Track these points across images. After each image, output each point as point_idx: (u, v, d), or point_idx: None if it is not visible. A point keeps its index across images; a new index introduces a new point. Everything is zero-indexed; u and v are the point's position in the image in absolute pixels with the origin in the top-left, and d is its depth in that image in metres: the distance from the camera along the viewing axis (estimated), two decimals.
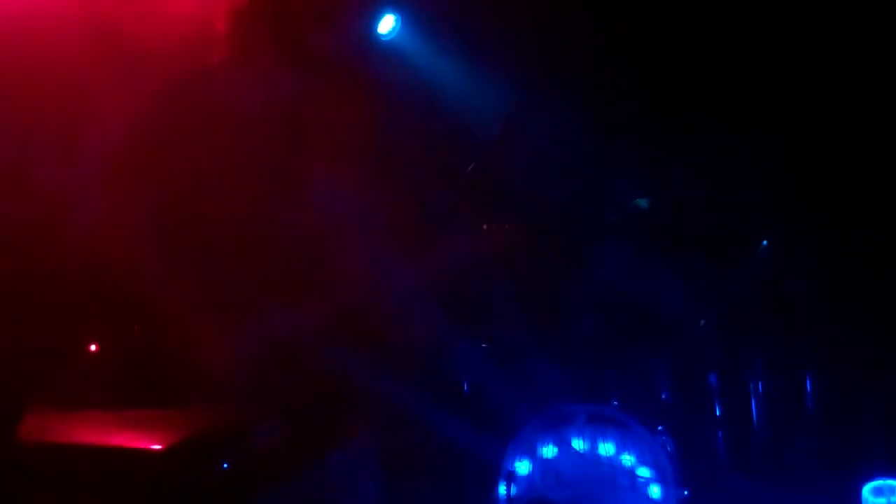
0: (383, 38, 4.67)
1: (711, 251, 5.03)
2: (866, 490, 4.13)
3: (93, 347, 3.56)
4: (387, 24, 4.66)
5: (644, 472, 4.20)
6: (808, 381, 4.89)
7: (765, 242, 4.97)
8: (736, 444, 4.73)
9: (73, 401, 2.66)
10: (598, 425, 4.26)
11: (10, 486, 1.77)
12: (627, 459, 4.22)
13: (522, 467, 4.21)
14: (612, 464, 4.21)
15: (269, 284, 2.95)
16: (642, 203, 5.20)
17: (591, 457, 4.22)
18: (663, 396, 4.71)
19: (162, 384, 2.73)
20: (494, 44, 5.10)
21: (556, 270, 4.87)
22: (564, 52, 5.17)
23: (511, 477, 4.17)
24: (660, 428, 4.34)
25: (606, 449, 4.23)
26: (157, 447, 1.74)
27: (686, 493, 4.23)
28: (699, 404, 4.76)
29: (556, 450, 4.23)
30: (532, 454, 4.22)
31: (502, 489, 4.15)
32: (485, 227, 3.51)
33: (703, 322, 4.92)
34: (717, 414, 4.75)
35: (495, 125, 3.87)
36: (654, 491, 4.20)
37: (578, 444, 4.22)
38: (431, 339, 3.76)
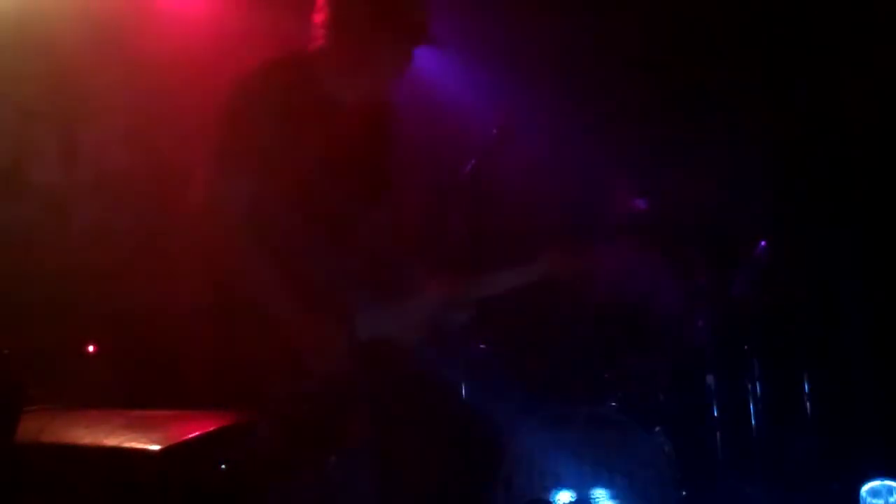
0: None
1: (709, 252, 5.04)
2: (864, 491, 4.14)
3: (91, 348, 3.56)
4: None
5: (642, 473, 4.20)
6: (805, 382, 4.90)
7: (763, 243, 4.98)
8: (734, 445, 4.74)
9: (72, 401, 2.66)
10: (596, 426, 4.26)
11: (8, 487, 1.77)
12: (626, 461, 4.22)
13: (521, 468, 4.21)
14: (611, 465, 4.21)
15: (267, 284, 2.94)
16: (640, 203, 5.21)
17: (590, 458, 4.22)
18: (661, 397, 4.71)
19: (161, 384, 2.73)
20: (493, 44, 5.11)
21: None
22: (564, 53, 5.18)
23: (509, 478, 4.18)
24: (658, 429, 4.34)
25: (605, 450, 4.24)
26: (155, 447, 1.73)
27: (684, 493, 4.24)
28: (697, 405, 4.77)
29: (554, 452, 4.23)
30: (531, 456, 4.23)
31: (501, 490, 4.15)
32: (483, 227, 3.51)
33: (700, 323, 4.93)
34: (715, 415, 4.75)
35: (494, 126, 3.87)
36: (654, 492, 4.21)
37: (577, 445, 4.23)
38: (430, 339, 3.75)
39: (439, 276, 3.13)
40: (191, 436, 1.84)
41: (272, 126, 2.70)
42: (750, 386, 4.83)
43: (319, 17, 2.87)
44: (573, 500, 4.17)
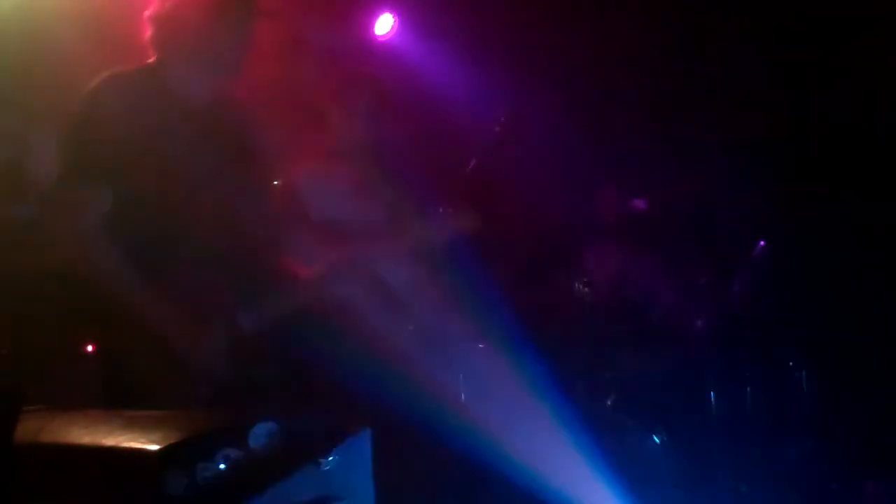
0: (380, 39, 4.69)
1: (708, 251, 5.04)
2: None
3: (91, 348, 3.56)
4: (384, 25, 4.67)
5: (642, 473, 4.21)
6: (805, 382, 4.90)
7: (762, 243, 4.98)
8: (733, 445, 4.74)
9: (72, 401, 2.66)
10: (594, 426, 4.27)
11: (7, 487, 1.78)
12: (625, 461, 4.23)
13: (519, 467, 4.21)
14: (611, 465, 4.22)
15: (266, 283, 2.95)
16: (640, 203, 5.22)
17: (589, 457, 4.23)
18: (661, 397, 4.71)
19: (159, 384, 2.74)
20: (493, 45, 5.11)
21: (553, 270, 4.88)
22: (563, 53, 5.18)
23: (508, 477, 4.18)
24: (657, 429, 4.35)
25: (605, 450, 4.24)
26: (154, 447, 1.74)
27: (684, 493, 4.24)
28: (696, 405, 4.77)
29: (553, 450, 4.24)
30: (529, 455, 4.23)
31: (499, 489, 4.16)
32: (482, 227, 3.52)
33: (700, 323, 4.93)
34: (714, 414, 4.76)
35: (493, 126, 3.88)
36: (653, 492, 4.22)
37: (575, 444, 4.23)
38: (429, 338, 3.76)
39: (313, 256, 3.15)
40: (190, 436, 1.84)
41: (122, 133, 2.74)
42: (749, 386, 4.84)
43: (147, 33, 2.93)
44: (572, 500, 4.18)
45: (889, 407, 4.72)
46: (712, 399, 4.76)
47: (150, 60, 2.95)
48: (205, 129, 2.91)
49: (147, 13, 2.93)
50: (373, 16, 4.66)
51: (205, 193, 2.84)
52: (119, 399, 2.72)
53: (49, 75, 3.72)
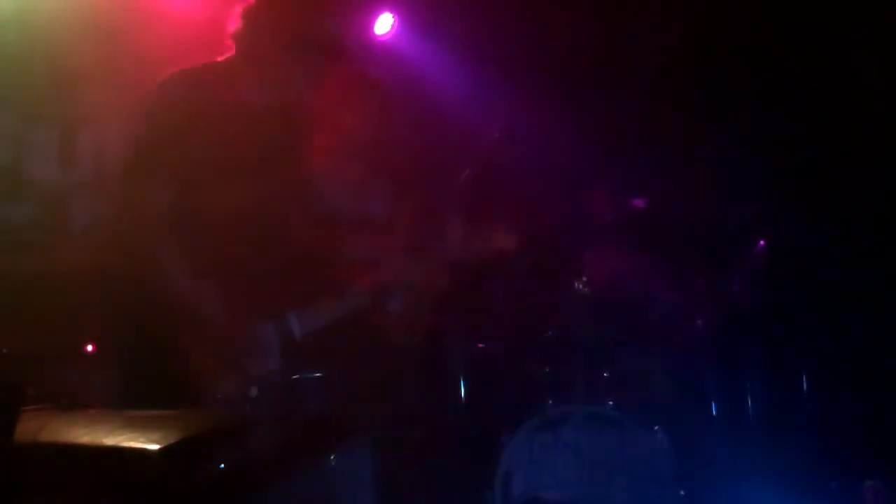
0: (379, 38, 4.68)
1: (708, 251, 5.04)
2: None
3: (91, 348, 3.56)
4: (384, 25, 4.67)
5: (641, 472, 4.21)
6: (805, 381, 4.90)
7: (762, 243, 4.98)
8: (733, 444, 4.74)
9: (72, 401, 2.66)
10: (595, 425, 4.27)
11: (6, 487, 1.78)
12: (625, 460, 4.23)
13: (520, 467, 4.21)
14: (610, 464, 4.21)
15: (267, 282, 2.96)
16: (640, 203, 5.21)
17: (589, 457, 4.23)
18: (660, 397, 4.71)
19: (160, 384, 2.74)
20: (493, 45, 5.11)
21: (552, 271, 4.88)
22: (563, 54, 5.18)
23: (508, 477, 4.18)
24: (656, 428, 4.34)
25: (604, 449, 4.24)
26: (154, 447, 1.74)
27: (683, 493, 4.24)
28: (696, 404, 4.77)
29: (553, 450, 4.24)
30: (529, 454, 4.23)
31: (499, 489, 4.15)
32: (482, 227, 3.52)
33: (700, 323, 4.93)
34: (714, 414, 4.76)
35: (493, 126, 3.88)
36: (653, 491, 4.21)
37: (575, 444, 4.23)
38: (429, 338, 3.76)
39: (368, 266, 3.17)
40: (190, 436, 1.84)
41: (190, 129, 2.74)
42: (748, 385, 4.84)
43: (232, 28, 2.94)
44: (572, 499, 4.18)
45: (889, 407, 4.72)
46: (712, 399, 4.76)
47: (220, 59, 2.96)
48: (262, 131, 2.92)
49: (240, 9, 2.93)
50: (373, 16, 4.65)
51: (259, 194, 2.85)
52: (158, 397, 2.72)
53: (48, 75, 3.72)
